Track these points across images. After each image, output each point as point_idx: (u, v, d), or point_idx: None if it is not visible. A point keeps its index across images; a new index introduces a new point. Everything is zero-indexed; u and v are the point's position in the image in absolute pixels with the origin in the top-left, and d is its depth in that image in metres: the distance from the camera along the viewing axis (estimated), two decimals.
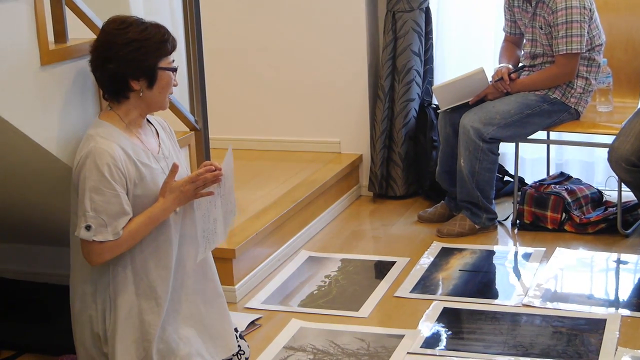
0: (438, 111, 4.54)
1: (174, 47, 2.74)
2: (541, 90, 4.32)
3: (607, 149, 4.05)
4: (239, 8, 5.06)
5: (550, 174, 4.79)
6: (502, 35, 4.57)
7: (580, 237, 4.27)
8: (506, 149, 4.73)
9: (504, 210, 4.62)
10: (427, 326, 3.44)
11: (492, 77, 4.37)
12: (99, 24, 2.94)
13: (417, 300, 3.69)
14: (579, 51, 4.23)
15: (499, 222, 4.48)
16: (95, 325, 2.71)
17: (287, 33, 5.00)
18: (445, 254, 4.15)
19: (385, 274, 3.96)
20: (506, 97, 4.34)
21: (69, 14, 2.94)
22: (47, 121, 2.74)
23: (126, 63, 2.64)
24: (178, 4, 3.69)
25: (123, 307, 2.68)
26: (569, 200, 4.33)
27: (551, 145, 4.79)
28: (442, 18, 4.99)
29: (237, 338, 2.94)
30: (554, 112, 4.32)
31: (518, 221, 4.43)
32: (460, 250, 4.20)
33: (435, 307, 3.60)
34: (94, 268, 2.68)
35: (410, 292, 3.77)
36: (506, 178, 4.88)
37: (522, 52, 4.50)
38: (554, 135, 4.65)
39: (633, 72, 4.52)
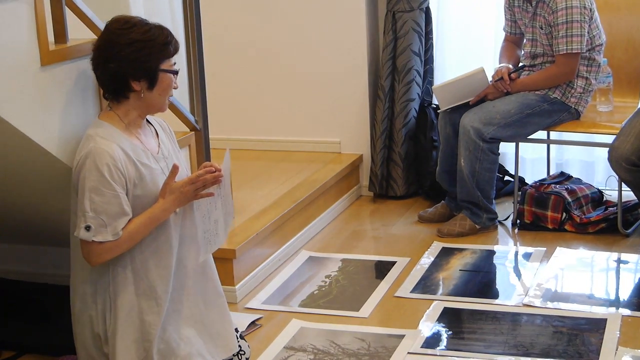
0: (438, 111, 4.54)
1: (176, 50, 2.74)
2: (541, 90, 4.32)
3: (608, 149, 4.05)
4: (239, 8, 5.06)
5: (551, 173, 4.79)
6: (502, 35, 4.57)
7: (580, 236, 4.27)
8: (506, 148, 4.73)
9: (505, 210, 4.62)
10: (428, 326, 3.44)
11: (492, 77, 4.37)
12: (99, 24, 2.94)
13: (417, 300, 3.69)
14: (579, 51, 4.23)
15: (499, 222, 4.48)
16: (95, 326, 2.71)
17: (287, 33, 5.00)
18: (445, 254, 4.15)
19: (386, 274, 3.96)
20: (506, 97, 4.33)
21: (69, 15, 2.94)
22: (47, 121, 2.74)
23: (128, 63, 2.64)
24: (178, 4, 3.69)
25: (123, 307, 2.68)
26: (569, 200, 4.33)
27: (551, 145, 4.79)
28: (442, 18, 4.99)
29: (237, 338, 2.94)
30: (554, 112, 4.32)
31: (518, 221, 4.43)
32: (461, 250, 4.19)
33: (436, 307, 3.59)
34: (94, 268, 2.68)
35: (411, 292, 3.77)
36: (506, 178, 4.88)
37: (522, 52, 4.50)
38: (554, 135, 4.65)
39: (633, 72, 4.52)
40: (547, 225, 4.35)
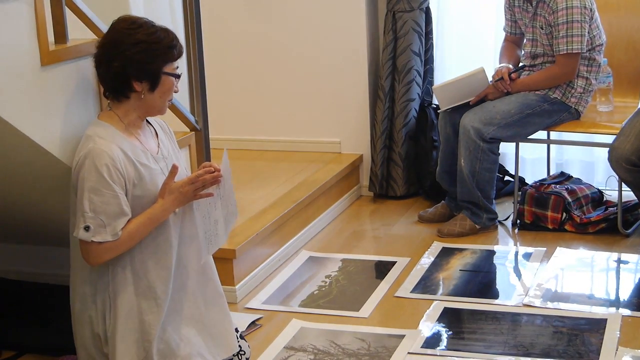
0: (438, 111, 4.54)
1: (180, 54, 2.74)
2: (541, 90, 4.32)
3: (608, 149, 4.05)
4: (239, 8, 5.06)
5: (551, 173, 4.79)
6: (503, 35, 4.57)
7: (580, 236, 4.27)
8: (506, 148, 4.73)
9: (505, 210, 4.62)
10: (428, 326, 3.44)
11: (493, 77, 4.37)
12: (100, 24, 2.94)
13: (417, 300, 3.69)
14: (579, 51, 4.23)
15: (499, 222, 4.48)
16: (95, 326, 2.71)
17: (287, 33, 5.00)
18: (445, 254, 4.15)
19: (386, 274, 3.96)
20: (506, 97, 4.33)
21: (69, 15, 2.94)
22: (47, 122, 2.74)
23: (132, 63, 2.64)
24: (178, 4, 3.69)
25: (123, 308, 2.68)
26: (570, 200, 4.33)
27: (551, 145, 4.79)
28: (442, 18, 4.99)
29: (237, 338, 2.94)
30: (555, 112, 4.32)
31: (518, 221, 4.43)
32: (461, 250, 4.19)
33: (436, 307, 3.59)
34: (93, 269, 2.68)
35: (411, 292, 3.77)
36: (506, 178, 4.88)
37: (523, 52, 4.50)
38: (554, 135, 4.65)
39: (633, 72, 4.52)
40: (547, 225, 4.35)
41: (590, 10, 4.24)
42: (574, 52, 4.23)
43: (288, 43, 5.01)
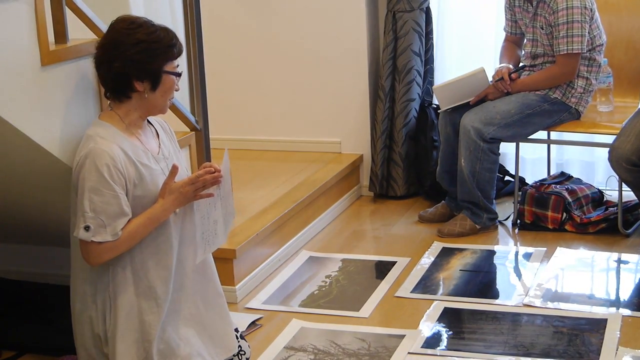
0: (438, 111, 4.54)
1: (180, 53, 2.74)
2: (542, 90, 4.32)
3: (608, 149, 4.05)
4: (240, 8, 5.06)
5: (551, 173, 4.79)
6: (503, 35, 4.57)
7: (580, 236, 4.27)
8: (507, 148, 4.73)
9: (505, 210, 4.62)
10: (428, 326, 3.44)
11: (493, 77, 4.37)
12: (100, 24, 2.94)
13: (417, 300, 3.69)
14: (579, 51, 4.23)
15: (499, 222, 4.48)
16: (95, 326, 2.71)
17: (287, 33, 5.00)
18: (445, 254, 4.15)
19: (386, 274, 3.96)
20: (507, 97, 4.33)
21: (69, 15, 2.94)
22: (47, 122, 2.74)
23: (132, 63, 2.64)
24: (178, 4, 3.69)
25: (123, 308, 2.68)
26: (570, 200, 4.33)
27: (552, 145, 4.79)
28: (442, 18, 4.99)
29: (237, 338, 2.94)
30: (555, 112, 4.32)
31: (519, 221, 4.43)
32: (461, 250, 4.19)
33: (436, 307, 3.59)
34: (93, 268, 2.68)
35: (411, 292, 3.77)
36: (507, 178, 4.88)
37: (523, 52, 4.50)
38: (554, 135, 4.65)
39: (633, 72, 4.52)
40: (547, 225, 4.35)
41: (591, 11, 4.24)
42: (574, 52, 4.23)
43: (288, 43, 5.01)
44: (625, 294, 3.74)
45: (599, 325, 3.37)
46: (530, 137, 4.40)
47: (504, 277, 3.98)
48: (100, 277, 2.70)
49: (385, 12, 4.84)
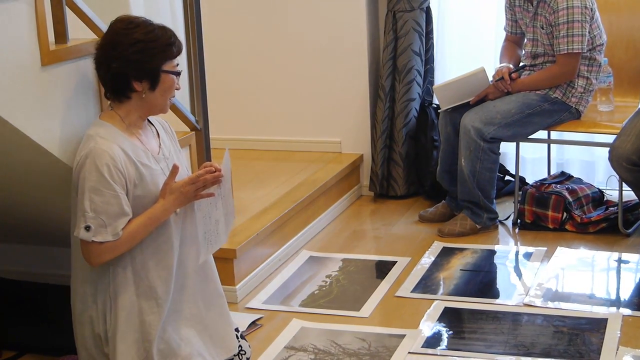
0: (439, 111, 4.54)
1: (179, 51, 2.73)
2: (542, 90, 4.32)
3: (608, 149, 4.05)
4: (240, 9, 5.06)
5: (551, 173, 4.79)
6: (503, 34, 4.57)
7: (581, 236, 4.27)
8: (507, 148, 4.73)
9: (505, 209, 4.62)
10: (428, 326, 3.44)
11: (493, 76, 4.37)
12: (100, 24, 2.94)
13: (418, 300, 3.69)
14: (580, 51, 4.23)
15: (499, 221, 4.48)
16: (96, 326, 2.71)
17: (287, 33, 5.00)
18: (446, 254, 4.15)
19: (386, 274, 3.96)
20: (507, 97, 4.33)
21: (70, 14, 2.94)
22: (48, 122, 2.74)
23: (130, 63, 2.64)
24: (179, 4, 3.69)
25: (123, 308, 2.68)
26: (570, 199, 4.33)
27: (552, 145, 4.79)
28: (442, 18, 4.99)
29: (238, 338, 2.94)
30: (555, 112, 4.32)
31: (519, 221, 4.43)
32: (461, 249, 4.19)
33: (437, 307, 3.59)
34: (94, 269, 2.68)
35: (411, 291, 3.77)
36: (507, 177, 4.88)
37: (523, 52, 4.50)
38: (554, 135, 4.65)
39: (634, 72, 4.52)
40: (547, 225, 4.35)
41: (591, 10, 4.24)
42: (574, 51, 4.23)
43: (288, 43, 5.01)
44: (626, 294, 3.74)
45: (599, 324, 3.37)
46: (531, 136, 4.40)
47: (504, 276, 3.98)
48: (100, 277, 2.69)
49: (385, 12, 4.84)
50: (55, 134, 2.77)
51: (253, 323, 3.53)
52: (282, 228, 4.13)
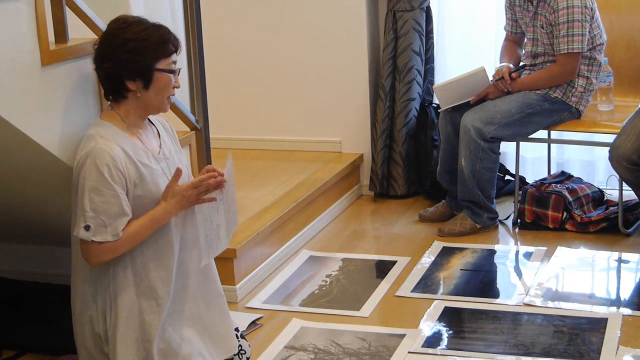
0: (439, 110, 4.54)
1: (175, 49, 2.71)
2: (542, 90, 4.32)
3: (608, 148, 4.05)
4: (240, 8, 5.06)
5: (551, 173, 4.79)
6: (503, 34, 4.57)
7: (581, 236, 4.27)
8: (507, 148, 4.73)
9: (505, 209, 4.62)
10: (428, 325, 3.44)
11: (493, 76, 4.37)
12: (100, 24, 2.94)
13: (418, 300, 3.69)
14: (580, 50, 4.23)
15: (500, 221, 4.48)
16: (96, 326, 2.71)
17: (287, 32, 5.00)
18: (446, 254, 4.15)
19: (386, 274, 3.96)
20: (507, 97, 4.33)
21: (70, 14, 2.94)
22: (48, 121, 2.74)
23: (121, 63, 2.64)
24: (179, 4, 3.69)
25: (123, 308, 2.68)
26: (570, 199, 4.33)
27: (552, 145, 4.79)
28: (442, 17, 4.99)
29: (238, 337, 2.94)
30: (555, 111, 4.32)
31: (519, 220, 4.43)
32: (461, 249, 4.19)
33: (437, 307, 3.59)
34: (94, 268, 2.68)
35: (412, 291, 3.77)
36: (507, 177, 4.88)
37: (523, 51, 4.50)
38: (555, 135, 4.65)
39: (634, 71, 4.52)
40: (547, 224, 4.34)
41: (591, 10, 4.24)
42: (574, 51, 4.23)
43: (288, 42, 5.01)
44: (626, 294, 3.74)
45: (599, 324, 3.37)
46: (531, 136, 4.40)
47: (504, 276, 3.98)
48: (100, 277, 2.69)
49: (385, 12, 4.84)
50: (55, 133, 2.77)
51: (253, 323, 3.53)
52: (282, 228, 4.13)
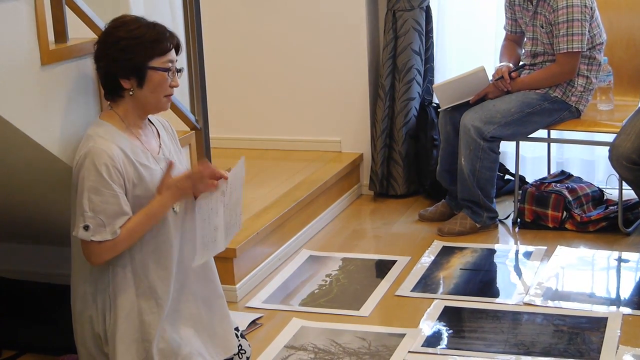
0: (439, 110, 4.54)
1: (172, 47, 2.70)
2: (542, 89, 4.32)
3: (608, 147, 4.05)
4: (240, 8, 5.06)
5: (551, 172, 4.79)
6: (503, 33, 4.57)
7: (581, 235, 4.27)
8: (507, 147, 4.73)
9: (505, 208, 4.62)
10: (428, 325, 3.44)
11: (493, 75, 4.37)
12: (100, 23, 2.94)
13: (418, 299, 3.69)
14: (579, 50, 4.23)
15: (499, 220, 4.48)
16: (95, 325, 2.71)
17: (287, 32, 5.00)
18: (446, 253, 4.15)
19: (386, 273, 3.96)
20: (507, 96, 4.33)
21: (70, 14, 2.94)
22: (48, 121, 2.74)
23: (114, 62, 2.64)
24: (178, 3, 3.69)
25: (123, 307, 2.68)
26: (570, 198, 4.33)
27: (552, 144, 4.79)
28: (442, 17, 4.99)
29: (238, 337, 2.94)
30: (555, 111, 4.32)
31: (519, 220, 4.43)
32: (461, 249, 4.19)
33: (436, 306, 3.59)
34: (94, 268, 2.68)
35: (411, 291, 3.77)
36: (507, 177, 4.88)
37: (523, 51, 4.50)
38: (554, 134, 4.65)
39: (634, 71, 4.53)
40: (547, 224, 4.35)
41: (591, 9, 4.24)
42: (574, 50, 4.23)
43: (288, 42, 5.01)
44: (626, 293, 3.74)
45: (599, 323, 3.37)
46: (531, 135, 4.40)
47: (504, 275, 3.98)
48: (100, 276, 2.69)
49: (385, 11, 4.84)
50: (55, 133, 2.77)
51: (253, 322, 3.53)
52: (282, 227, 4.13)
